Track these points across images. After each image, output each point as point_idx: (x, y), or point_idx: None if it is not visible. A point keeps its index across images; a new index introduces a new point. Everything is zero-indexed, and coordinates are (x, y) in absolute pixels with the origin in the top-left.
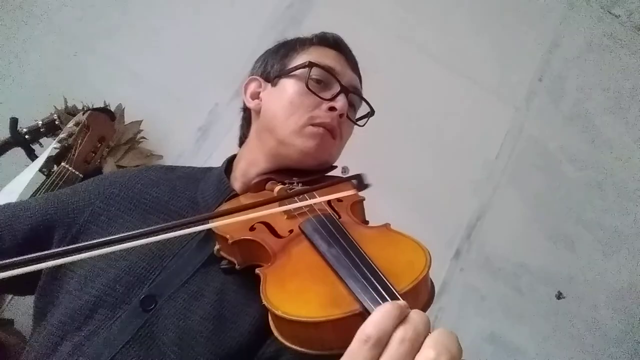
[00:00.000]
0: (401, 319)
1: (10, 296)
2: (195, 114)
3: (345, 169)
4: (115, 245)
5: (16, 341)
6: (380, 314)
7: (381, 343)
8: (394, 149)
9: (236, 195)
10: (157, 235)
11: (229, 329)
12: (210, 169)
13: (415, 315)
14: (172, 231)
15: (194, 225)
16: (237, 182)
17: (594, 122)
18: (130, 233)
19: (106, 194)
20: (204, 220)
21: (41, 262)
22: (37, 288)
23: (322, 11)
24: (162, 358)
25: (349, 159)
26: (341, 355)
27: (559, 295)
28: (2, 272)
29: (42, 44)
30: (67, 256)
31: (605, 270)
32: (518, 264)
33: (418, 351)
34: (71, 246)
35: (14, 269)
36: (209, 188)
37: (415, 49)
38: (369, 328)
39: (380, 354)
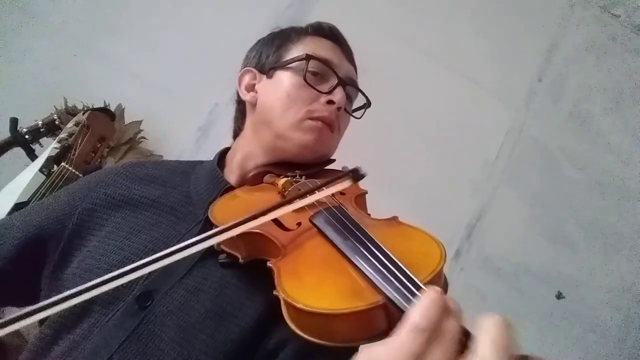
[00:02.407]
0: (445, 308)
1: None
2: (195, 114)
3: (345, 169)
4: (120, 279)
5: (16, 341)
6: (429, 303)
7: (431, 332)
8: (393, 148)
9: (231, 188)
10: (166, 259)
11: (231, 323)
12: (200, 162)
13: (452, 303)
14: (181, 252)
15: (205, 241)
16: (232, 174)
17: (594, 122)
18: (135, 264)
19: (92, 195)
20: (217, 234)
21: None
22: (42, 293)
23: (322, 11)
24: (161, 356)
25: (349, 158)
26: (357, 347)
27: (559, 295)
28: None
29: (42, 44)
30: (61, 303)
31: (605, 270)
32: (518, 264)
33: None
34: (71, 291)
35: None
36: (202, 182)
37: (415, 49)
38: (419, 317)
39: (429, 344)
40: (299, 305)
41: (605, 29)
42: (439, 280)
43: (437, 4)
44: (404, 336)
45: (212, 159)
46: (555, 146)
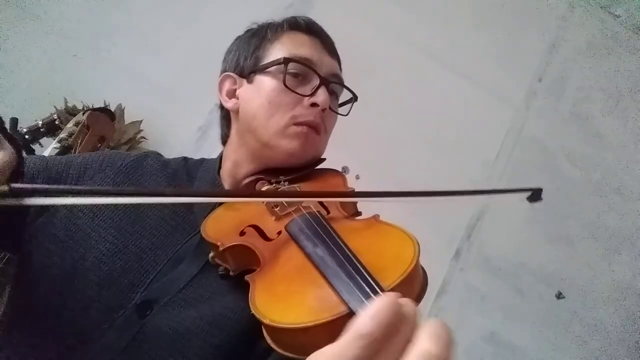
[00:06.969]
0: (396, 314)
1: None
2: (195, 114)
3: (345, 169)
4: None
5: None
6: (375, 310)
7: (376, 340)
8: (393, 149)
9: None
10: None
11: (226, 327)
12: (202, 162)
13: (409, 308)
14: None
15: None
16: (226, 183)
17: (594, 122)
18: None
19: (99, 176)
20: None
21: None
22: (15, 276)
23: (322, 11)
24: None
25: (349, 159)
26: None
27: (559, 295)
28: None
29: (42, 44)
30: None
31: (605, 270)
32: (518, 264)
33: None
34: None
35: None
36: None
37: (415, 49)
38: (363, 324)
39: (374, 352)
40: (267, 321)
41: (605, 29)
42: (416, 278)
43: (437, 4)
44: (346, 341)
45: (214, 158)
46: (555, 146)
